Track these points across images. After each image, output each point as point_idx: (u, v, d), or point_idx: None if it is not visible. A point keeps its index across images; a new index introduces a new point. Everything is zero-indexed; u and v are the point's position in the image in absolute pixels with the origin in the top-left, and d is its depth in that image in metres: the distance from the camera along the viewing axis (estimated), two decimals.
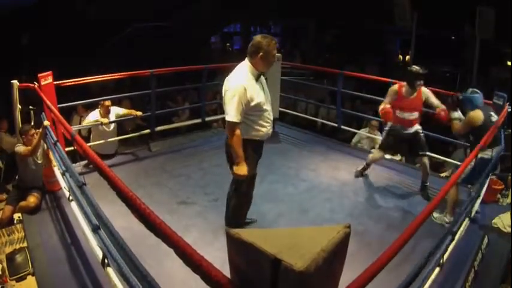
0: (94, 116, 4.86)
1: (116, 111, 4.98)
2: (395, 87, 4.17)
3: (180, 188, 4.19)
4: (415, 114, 4.12)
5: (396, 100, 4.10)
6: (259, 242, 1.28)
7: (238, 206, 3.16)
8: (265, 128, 2.88)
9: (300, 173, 4.67)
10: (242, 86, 2.65)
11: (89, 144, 4.85)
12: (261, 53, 2.71)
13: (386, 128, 4.35)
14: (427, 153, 4.31)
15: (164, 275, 2.63)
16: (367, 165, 4.61)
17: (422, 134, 4.21)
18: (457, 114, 3.72)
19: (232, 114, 2.65)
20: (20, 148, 3.75)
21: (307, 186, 4.35)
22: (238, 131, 2.69)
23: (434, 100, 4.08)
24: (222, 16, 12.32)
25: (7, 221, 3.78)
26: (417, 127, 4.20)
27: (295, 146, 5.45)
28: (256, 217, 3.49)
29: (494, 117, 3.57)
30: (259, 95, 2.76)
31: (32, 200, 3.70)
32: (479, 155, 3.42)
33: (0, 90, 4.78)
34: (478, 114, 3.51)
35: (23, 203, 3.66)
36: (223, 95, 2.77)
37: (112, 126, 5.06)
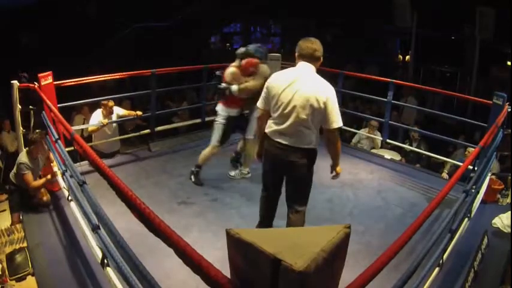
0: (96, 116, 4.89)
1: (116, 112, 5.01)
2: (236, 68, 4.05)
3: (180, 188, 4.19)
4: None
5: (236, 80, 4.01)
6: (259, 241, 1.28)
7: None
8: None
9: None
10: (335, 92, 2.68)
11: (91, 143, 4.90)
12: (322, 60, 2.73)
13: (223, 118, 4.12)
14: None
15: (164, 275, 2.64)
16: (199, 167, 4.32)
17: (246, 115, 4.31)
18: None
19: (340, 120, 2.67)
20: (32, 183, 3.66)
21: None
22: None
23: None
24: (222, 16, 12.33)
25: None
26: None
27: None
28: (257, 217, 3.49)
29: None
30: None
31: (44, 196, 3.74)
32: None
33: (0, 90, 4.78)
34: (265, 68, 3.99)
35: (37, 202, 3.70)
36: (321, 103, 2.57)
37: (113, 127, 5.09)
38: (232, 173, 4.46)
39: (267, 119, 2.79)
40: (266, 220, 3.12)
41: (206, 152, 4.23)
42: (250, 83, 3.93)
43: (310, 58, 2.66)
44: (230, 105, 4.09)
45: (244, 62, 3.98)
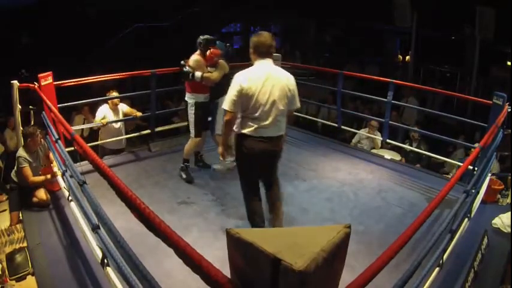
0: (103, 110, 4.98)
1: (121, 108, 5.17)
2: (200, 56, 4.07)
3: (180, 188, 4.18)
4: None
5: (200, 67, 4.03)
6: (259, 241, 1.28)
7: None
8: None
9: (300, 173, 4.67)
10: None
11: (95, 143, 4.99)
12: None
13: (191, 106, 4.13)
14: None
15: (164, 275, 2.64)
16: (187, 161, 4.36)
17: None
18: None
19: None
20: (30, 176, 3.72)
21: (307, 186, 4.35)
22: None
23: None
24: (222, 16, 12.32)
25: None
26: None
27: (295, 146, 5.44)
28: None
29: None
30: None
31: (44, 195, 3.74)
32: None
33: (1, 90, 4.79)
34: (225, 64, 4.15)
35: (35, 199, 3.70)
36: (292, 91, 2.89)
37: (120, 122, 5.20)
38: (216, 166, 4.37)
39: (235, 121, 2.87)
40: (261, 223, 3.14)
41: (187, 145, 4.28)
42: (214, 74, 4.02)
43: (267, 54, 2.83)
44: (196, 90, 4.11)
45: (210, 51, 4.04)
